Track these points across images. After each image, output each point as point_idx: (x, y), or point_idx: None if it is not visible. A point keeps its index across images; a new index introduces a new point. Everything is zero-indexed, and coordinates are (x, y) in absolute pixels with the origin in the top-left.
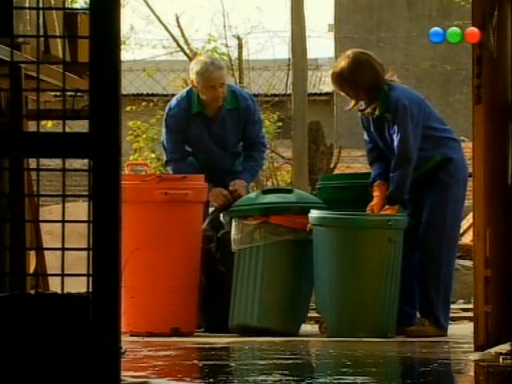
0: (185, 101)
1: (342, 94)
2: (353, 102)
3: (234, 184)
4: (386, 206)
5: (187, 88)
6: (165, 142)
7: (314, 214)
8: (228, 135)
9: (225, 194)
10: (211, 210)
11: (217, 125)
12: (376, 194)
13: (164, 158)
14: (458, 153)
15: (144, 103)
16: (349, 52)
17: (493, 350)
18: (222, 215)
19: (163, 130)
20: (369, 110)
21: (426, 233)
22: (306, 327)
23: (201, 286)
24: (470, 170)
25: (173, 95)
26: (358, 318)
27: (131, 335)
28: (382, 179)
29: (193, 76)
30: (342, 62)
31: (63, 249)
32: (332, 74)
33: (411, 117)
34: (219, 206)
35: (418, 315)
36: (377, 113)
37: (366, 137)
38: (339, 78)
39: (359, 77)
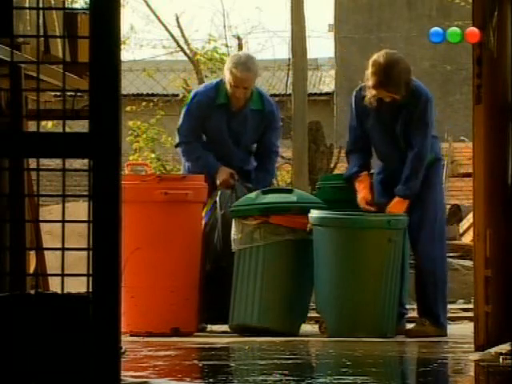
0: (213, 90)
1: (383, 92)
2: (388, 98)
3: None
4: (398, 199)
5: (218, 79)
6: (180, 125)
7: (313, 214)
8: (245, 133)
9: (232, 184)
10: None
11: (237, 121)
12: (362, 186)
13: (176, 140)
14: (440, 152)
15: (144, 103)
16: (378, 59)
17: (493, 350)
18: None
19: (182, 113)
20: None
21: (419, 233)
22: (305, 327)
23: (202, 278)
24: (470, 169)
25: (173, 95)
26: (357, 318)
27: (131, 335)
28: (365, 170)
29: (225, 68)
30: (384, 58)
31: (63, 249)
32: (383, 68)
33: (432, 111)
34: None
35: (416, 315)
36: (399, 102)
37: (353, 123)
38: (390, 72)
39: (403, 71)
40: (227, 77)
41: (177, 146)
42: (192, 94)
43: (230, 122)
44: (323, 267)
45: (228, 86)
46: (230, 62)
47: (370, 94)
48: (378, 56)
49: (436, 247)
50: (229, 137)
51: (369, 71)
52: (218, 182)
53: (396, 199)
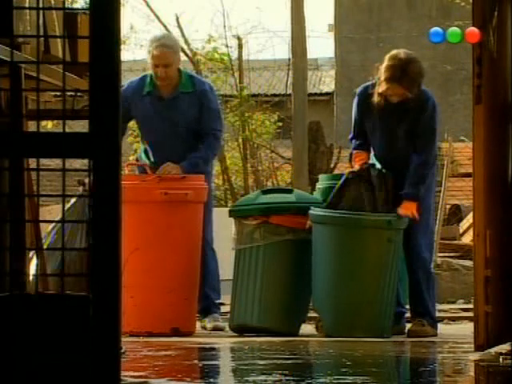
0: (137, 82)
1: (392, 88)
2: (395, 97)
3: (166, 164)
4: (408, 202)
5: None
6: None
7: (314, 211)
8: (180, 117)
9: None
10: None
11: (169, 107)
12: (359, 158)
13: None
14: (436, 153)
15: None
16: (401, 50)
17: (493, 350)
18: None
19: None
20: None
21: (415, 235)
22: (306, 327)
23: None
24: (470, 169)
25: None
26: (354, 317)
27: (131, 335)
28: (365, 150)
29: (147, 51)
30: (404, 54)
31: (63, 249)
32: (403, 64)
33: (438, 117)
34: None
35: (409, 314)
36: (405, 105)
37: (356, 119)
38: (409, 68)
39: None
40: (149, 61)
41: None
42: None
43: (161, 111)
44: (321, 265)
45: (152, 71)
46: (148, 45)
47: (381, 89)
48: (398, 52)
49: (428, 249)
50: (162, 124)
51: (385, 64)
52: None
53: (405, 202)
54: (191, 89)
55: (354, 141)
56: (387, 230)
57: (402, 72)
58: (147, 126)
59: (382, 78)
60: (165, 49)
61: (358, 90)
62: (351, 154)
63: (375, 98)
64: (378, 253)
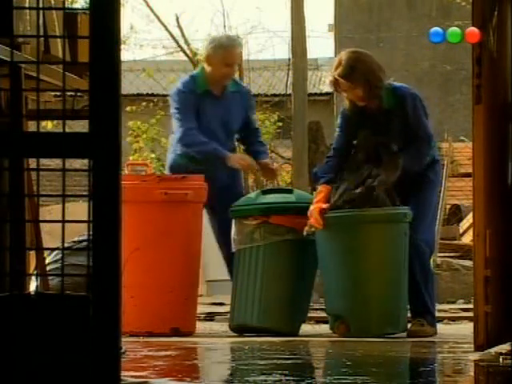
0: (190, 82)
1: (342, 93)
2: (348, 102)
3: (260, 162)
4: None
5: (189, 74)
6: (178, 117)
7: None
8: (232, 118)
9: (247, 160)
10: None
11: (222, 106)
12: (320, 196)
13: (177, 134)
14: (438, 154)
15: (144, 103)
16: (343, 53)
17: (493, 350)
18: None
19: (174, 108)
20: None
21: (414, 234)
22: (306, 327)
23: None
24: (470, 169)
25: None
26: (383, 314)
27: (131, 335)
28: (331, 183)
29: (211, 50)
30: (342, 59)
31: (63, 249)
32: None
33: (422, 108)
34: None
35: (409, 314)
36: (384, 106)
37: (339, 132)
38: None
39: (358, 70)
40: (219, 58)
41: (181, 139)
42: (172, 93)
43: (215, 109)
44: (336, 268)
45: (218, 68)
46: (218, 44)
47: (329, 79)
48: (345, 51)
49: (428, 246)
50: (217, 125)
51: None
52: (237, 166)
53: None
54: (237, 88)
55: (328, 164)
56: (404, 223)
57: (349, 68)
58: (203, 125)
59: (330, 73)
60: (241, 48)
61: (342, 107)
62: (319, 180)
63: (345, 103)
64: (396, 247)
